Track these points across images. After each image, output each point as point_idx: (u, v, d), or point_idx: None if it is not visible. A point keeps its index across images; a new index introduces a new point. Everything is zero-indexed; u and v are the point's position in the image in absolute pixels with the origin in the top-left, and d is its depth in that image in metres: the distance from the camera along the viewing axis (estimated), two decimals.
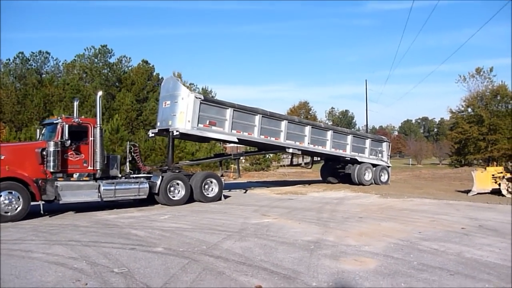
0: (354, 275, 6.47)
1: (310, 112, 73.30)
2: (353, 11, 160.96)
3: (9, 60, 49.43)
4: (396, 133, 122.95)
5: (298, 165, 58.02)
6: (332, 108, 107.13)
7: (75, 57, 53.41)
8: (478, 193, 17.17)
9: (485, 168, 18.98)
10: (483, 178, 17.56)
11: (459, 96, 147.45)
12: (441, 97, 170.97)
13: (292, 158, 56.16)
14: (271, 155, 38.00)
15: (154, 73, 49.97)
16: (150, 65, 49.88)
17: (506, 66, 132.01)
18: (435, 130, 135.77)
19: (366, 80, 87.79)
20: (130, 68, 51.40)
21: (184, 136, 16.79)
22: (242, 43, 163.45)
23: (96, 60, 51.74)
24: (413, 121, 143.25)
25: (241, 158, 26.12)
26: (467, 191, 18.03)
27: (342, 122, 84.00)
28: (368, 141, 22.80)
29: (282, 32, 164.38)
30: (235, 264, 7.12)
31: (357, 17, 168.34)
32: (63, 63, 54.48)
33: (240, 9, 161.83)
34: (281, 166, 47.33)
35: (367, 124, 63.56)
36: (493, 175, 17.30)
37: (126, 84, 47.63)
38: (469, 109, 45.31)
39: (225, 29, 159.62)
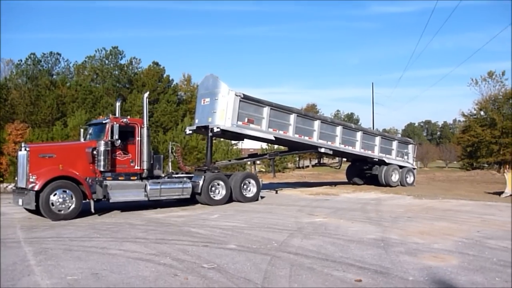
0: (444, 270, 6.59)
1: (318, 114, 73.41)
2: (355, 14, 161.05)
3: (21, 61, 49.52)
4: (399, 135, 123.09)
5: (306, 167, 58.21)
6: (338, 110, 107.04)
7: (86, 58, 53.58)
8: (511, 195, 17.26)
9: None
10: None
11: (462, 100, 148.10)
12: (444, 101, 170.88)
13: (299, 160, 56.26)
14: (287, 157, 38.06)
15: (165, 75, 50.19)
16: (161, 67, 50.12)
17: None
18: (438, 133, 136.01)
19: (372, 83, 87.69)
20: (140, 69, 51.57)
21: (222, 134, 16.78)
22: (245, 45, 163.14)
23: (107, 61, 51.86)
24: (416, 124, 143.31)
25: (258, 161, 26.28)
26: (498, 193, 18.13)
27: None
28: (395, 143, 22.94)
29: (284, 34, 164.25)
30: (319, 260, 7.22)
31: (359, 19, 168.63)
32: (73, 65, 54.67)
33: (242, 11, 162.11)
34: (296, 168, 47.44)
35: (373, 127, 63.77)
36: None
37: (137, 85, 47.77)
38: (482, 112, 45.51)
39: (228, 31, 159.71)
